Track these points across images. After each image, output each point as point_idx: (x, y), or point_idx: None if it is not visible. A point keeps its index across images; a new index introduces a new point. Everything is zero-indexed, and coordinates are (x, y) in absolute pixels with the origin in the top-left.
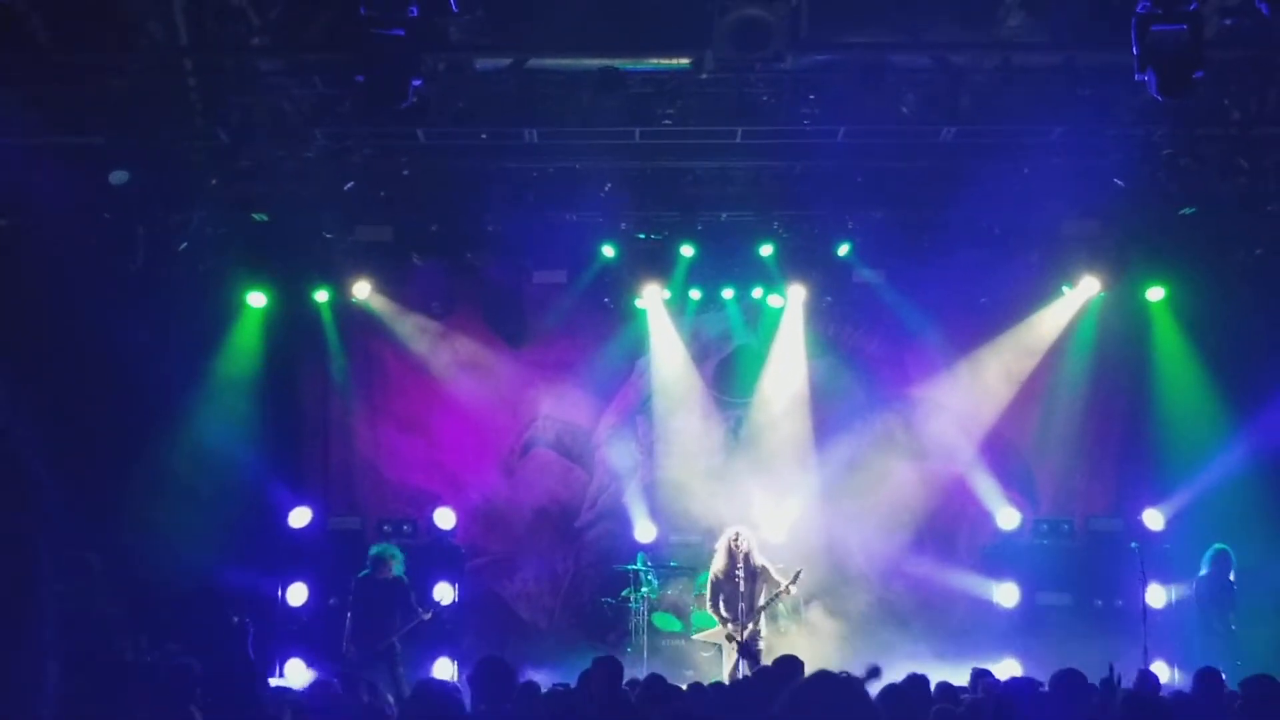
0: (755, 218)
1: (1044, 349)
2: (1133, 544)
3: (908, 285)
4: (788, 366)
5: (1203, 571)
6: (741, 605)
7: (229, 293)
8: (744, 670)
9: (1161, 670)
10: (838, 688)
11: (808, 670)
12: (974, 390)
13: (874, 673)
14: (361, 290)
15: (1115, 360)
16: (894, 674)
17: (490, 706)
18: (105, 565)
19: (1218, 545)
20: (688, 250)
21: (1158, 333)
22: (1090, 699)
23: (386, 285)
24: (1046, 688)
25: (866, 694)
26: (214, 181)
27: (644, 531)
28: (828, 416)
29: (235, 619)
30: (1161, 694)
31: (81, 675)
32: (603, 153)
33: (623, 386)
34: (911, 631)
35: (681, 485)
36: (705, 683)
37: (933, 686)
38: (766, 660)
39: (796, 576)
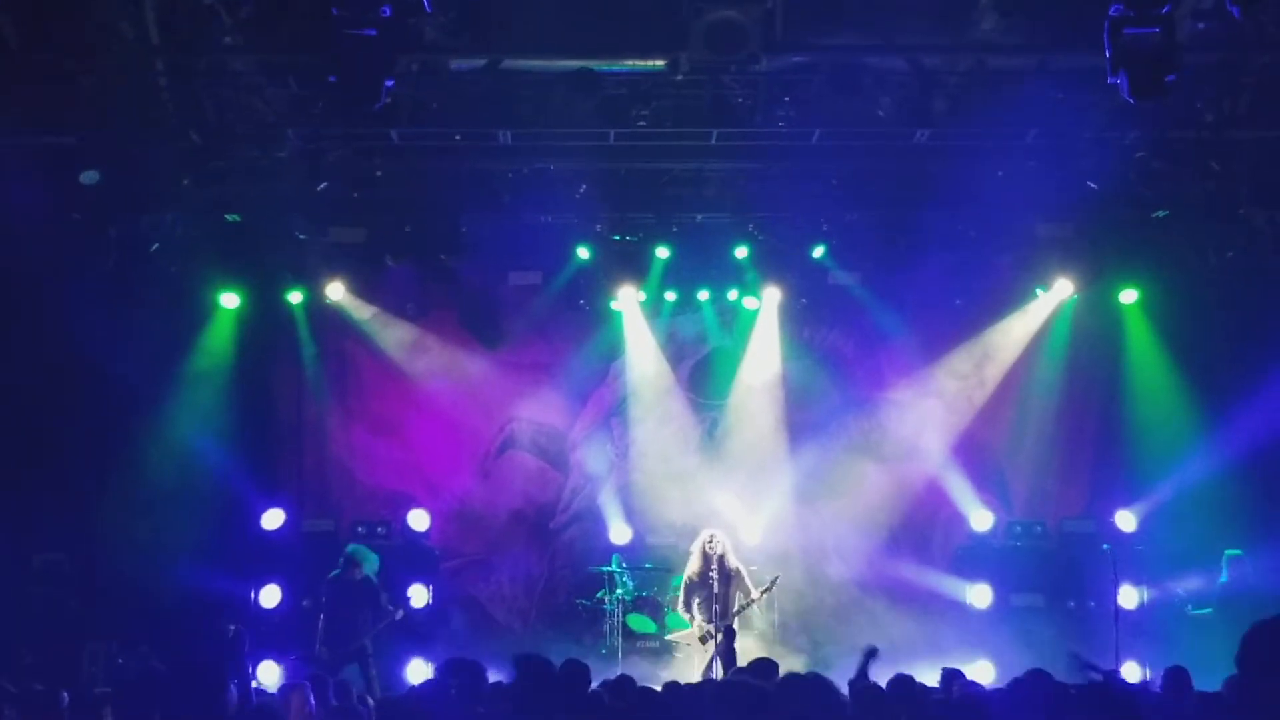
0: (730, 220)
1: (1017, 351)
2: (1105, 545)
3: (882, 287)
4: (763, 368)
5: (1223, 579)
6: (716, 607)
7: (201, 294)
8: (718, 672)
9: (1133, 671)
10: (810, 689)
11: (782, 672)
12: (948, 392)
13: (871, 654)
14: (335, 291)
15: (1088, 362)
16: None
17: (460, 706)
18: (76, 568)
19: (1231, 551)
20: (663, 252)
21: (1131, 335)
22: (1057, 699)
23: (360, 287)
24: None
25: (838, 693)
26: (186, 182)
27: (619, 533)
28: (803, 418)
29: (232, 627)
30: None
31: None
32: (577, 154)
33: (598, 388)
34: (885, 632)
35: (656, 487)
36: (679, 684)
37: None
38: (741, 662)
39: (773, 583)
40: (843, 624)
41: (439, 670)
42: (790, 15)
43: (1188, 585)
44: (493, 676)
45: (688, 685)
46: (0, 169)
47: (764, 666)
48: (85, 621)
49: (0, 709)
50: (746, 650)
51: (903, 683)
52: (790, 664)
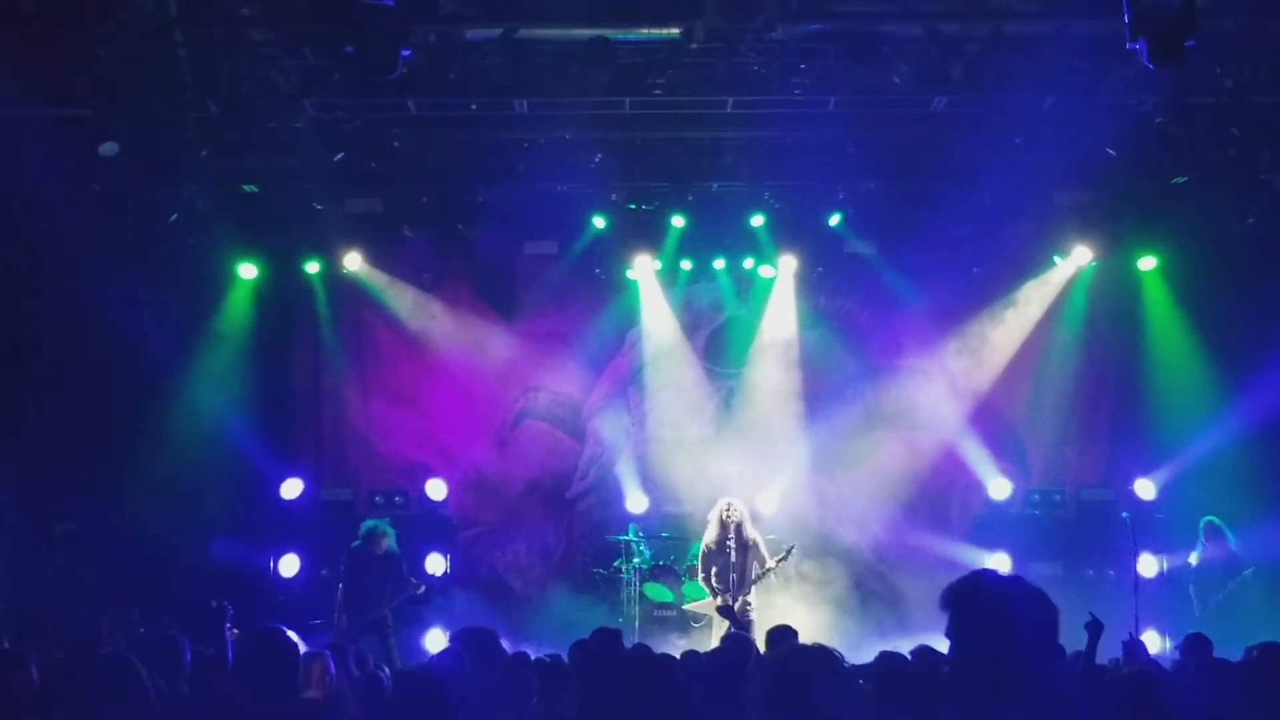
0: (746, 188)
1: (1036, 319)
2: (1124, 514)
3: (899, 256)
4: (779, 337)
5: (1201, 550)
6: (733, 576)
7: (219, 264)
8: None
9: (1153, 639)
10: (815, 659)
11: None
12: (965, 360)
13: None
14: (352, 262)
15: (1107, 330)
16: (887, 645)
17: (477, 676)
18: (97, 538)
19: (1209, 518)
20: (678, 221)
21: (1150, 302)
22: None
23: (377, 257)
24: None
25: (843, 664)
26: (204, 153)
27: (635, 502)
28: (819, 387)
29: (214, 603)
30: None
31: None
32: (593, 123)
33: (614, 357)
34: (903, 602)
35: (673, 456)
36: (698, 653)
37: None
38: (759, 631)
39: (788, 553)
40: (859, 593)
41: (452, 640)
42: None
43: (1174, 560)
44: (509, 646)
45: (706, 653)
46: (19, 141)
47: (782, 633)
48: (105, 590)
49: (28, 667)
50: (763, 619)
51: (924, 653)
52: (807, 634)
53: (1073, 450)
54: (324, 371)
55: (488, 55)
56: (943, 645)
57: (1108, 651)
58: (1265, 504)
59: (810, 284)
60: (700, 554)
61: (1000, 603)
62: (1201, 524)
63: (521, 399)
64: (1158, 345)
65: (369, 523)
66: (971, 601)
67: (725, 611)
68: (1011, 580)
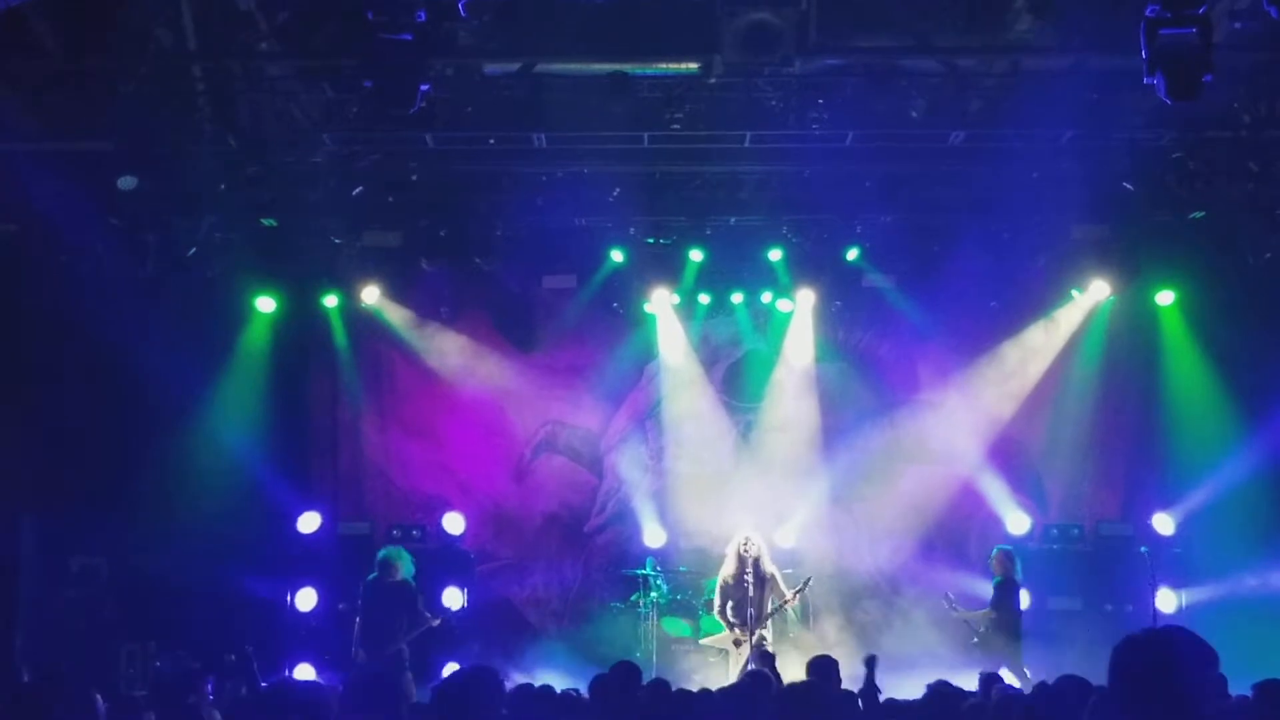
0: (764, 222)
1: (1053, 353)
2: (1142, 549)
3: (917, 289)
4: (797, 371)
5: (1000, 577)
6: (750, 611)
7: (238, 298)
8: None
9: None
10: (823, 692)
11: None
12: (983, 394)
13: (871, 662)
14: (370, 295)
15: (1125, 364)
16: (904, 680)
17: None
18: (114, 570)
19: (1001, 546)
20: (697, 255)
21: (1167, 337)
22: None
23: (395, 290)
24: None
25: (853, 698)
26: (223, 187)
27: (653, 536)
28: (837, 421)
29: (232, 657)
30: None
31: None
32: (611, 157)
33: (632, 391)
34: (921, 636)
35: (691, 490)
36: (713, 688)
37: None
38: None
39: (805, 584)
40: (877, 627)
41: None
42: (824, 17)
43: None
44: (522, 679)
45: (721, 689)
46: (39, 175)
47: (822, 664)
48: (122, 624)
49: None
50: (780, 653)
51: (941, 689)
52: None
53: (1091, 485)
54: (342, 405)
55: (506, 89)
56: (960, 681)
57: None
58: None
59: (828, 318)
60: (718, 588)
61: (1163, 649)
62: (994, 551)
63: (539, 433)
64: (1176, 380)
65: (385, 550)
66: (1132, 651)
67: (762, 654)
68: (1171, 629)
